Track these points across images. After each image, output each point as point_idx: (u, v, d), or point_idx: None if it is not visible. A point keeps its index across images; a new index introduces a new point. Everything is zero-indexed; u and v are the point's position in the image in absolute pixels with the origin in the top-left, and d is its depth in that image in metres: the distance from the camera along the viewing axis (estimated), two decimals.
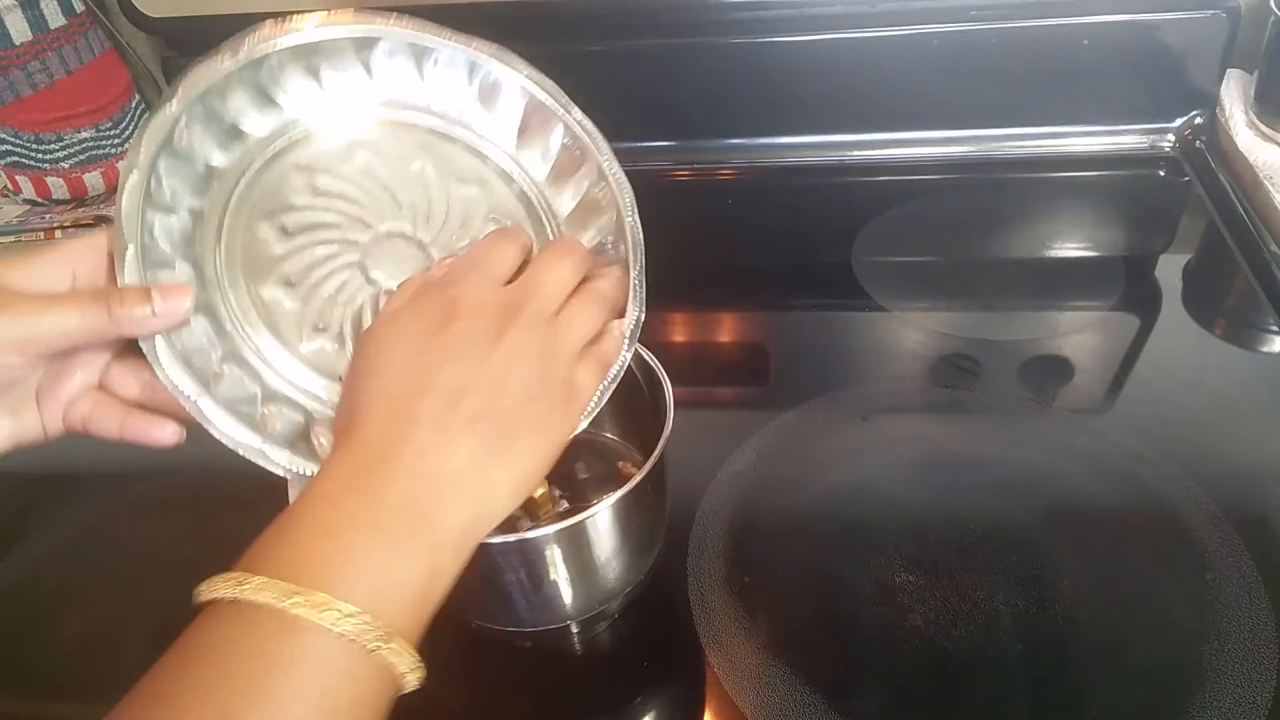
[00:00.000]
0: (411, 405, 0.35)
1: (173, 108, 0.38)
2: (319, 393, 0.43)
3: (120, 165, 0.39)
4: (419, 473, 0.34)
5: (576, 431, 0.39)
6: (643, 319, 0.42)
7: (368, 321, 0.43)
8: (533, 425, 0.37)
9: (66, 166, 0.86)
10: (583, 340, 0.39)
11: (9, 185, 0.88)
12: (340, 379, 0.43)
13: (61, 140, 0.84)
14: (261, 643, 0.29)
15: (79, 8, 0.83)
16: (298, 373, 0.43)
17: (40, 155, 0.85)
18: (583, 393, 0.39)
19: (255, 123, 0.41)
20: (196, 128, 0.39)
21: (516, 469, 0.36)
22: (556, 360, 0.38)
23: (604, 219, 0.43)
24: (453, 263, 0.42)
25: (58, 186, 0.87)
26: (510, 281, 0.39)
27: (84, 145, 0.85)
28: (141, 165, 0.37)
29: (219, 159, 0.40)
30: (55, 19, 0.80)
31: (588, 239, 0.44)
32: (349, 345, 0.43)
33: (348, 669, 0.29)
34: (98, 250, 0.39)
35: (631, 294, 0.42)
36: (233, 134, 0.40)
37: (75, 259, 0.39)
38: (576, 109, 0.42)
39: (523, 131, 0.43)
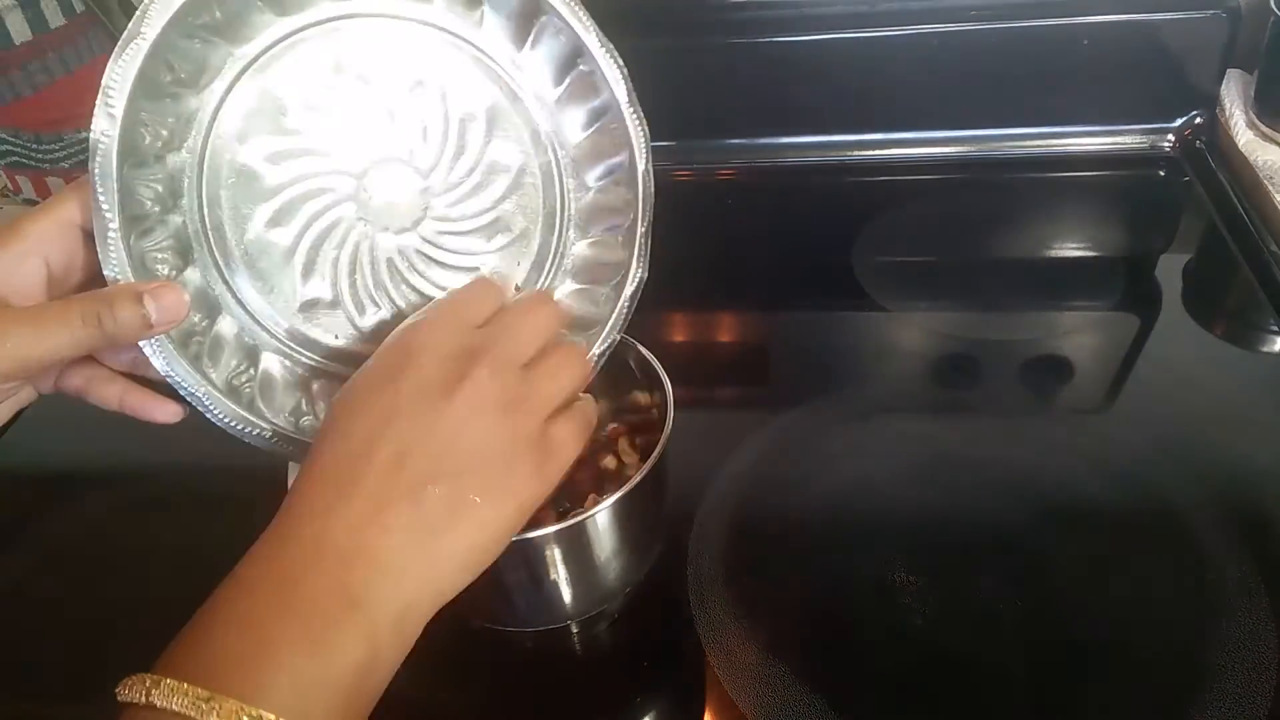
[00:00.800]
0: (345, 472, 0.31)
1: (147, 36, 0.34)
2: (315, 355, 0.41)
3: (94, 119, 0.35)
4: (349, 551, 0.30)
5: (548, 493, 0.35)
6: (645, 279, 0.41)
7: (363, 262, 0.40)
8: (490, 489, 0.32)
9: (67, 166, 0.86)
10: (559, 395, 0.35)
11: (9, 185, 0.88)
12: (336, 337, 0.41)
13: (61, 140, 0.84)
14: None
15: (79, 8, 0.83)
16: (292, 333, 0.41)
17: (40, 155, 0.85)
18: (560, 453, 0.34)
19: (237, 37, 0.37)
20: (173, 55, 0.35)
21: (467, 540, 0.32)
22: (524, 413, 0.33)
23: (615, 160, 0.40)
24: (424, 309, 0.38)
25: (58, 186, 0.87)
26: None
27: (84, 145, 0.85)
28: (120, 115, 0.34)
29: (199, 86, 0.37)
30: (55, 19, 0.81)
31: (596, 177, 0.41)
32: (344, 293, 0.41)
33: None
34: (67, 229, 0.36)
35: (636, 251, 0.40)
36: (212, 53, 0.37)
37: (44, 246, 0.35)
38: (596, 28, 0.39)
39: (534, 46, 0.39)
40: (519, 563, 0.42)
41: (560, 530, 0.40)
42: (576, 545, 0.42)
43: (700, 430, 0.57)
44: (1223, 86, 0.78)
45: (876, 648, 0.46)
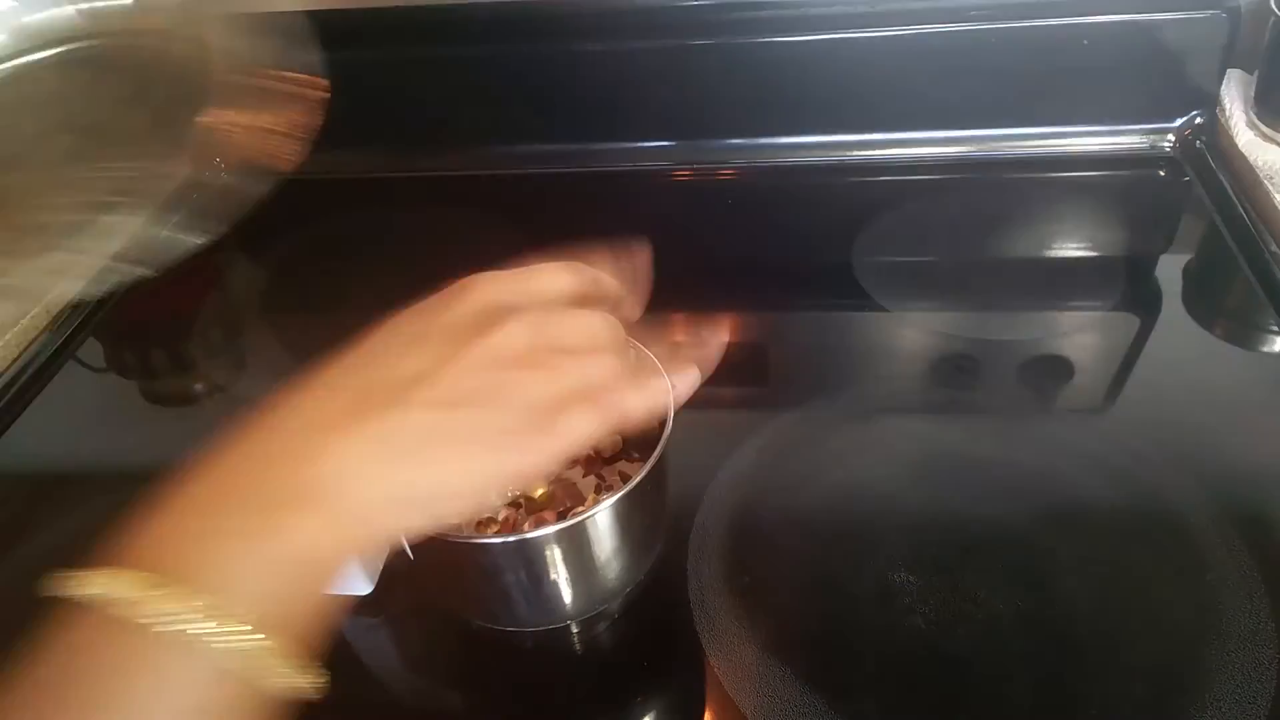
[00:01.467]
0: (342, 380, 0.31)
1: None
2: None
3: None
4: (312, 450, 0.29)
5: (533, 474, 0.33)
6: None
7: None
8: (475, 435, 0.31)
9: None
10: (582, 383, 0.33)
11: None
12: None
13: None
14: (105, 643, 0.27)
15: None
16: None
17: None
18: (562, 436, 0.32)
19: None
20: None
21: (436, 473, 0.30)
22: (541, 383, 0.32)
23: None
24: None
25: None
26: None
27: None
28: None
29: None
30: None
31: None
32: None
33: (186, 661, 0.26)
34: None
35: None
36: None
37: None
38: None
39: None
40: (519, 563, 0.42)
41: (560, 530, 0.40)
42: (576, 545, 0.42)
43: (700, 430, 0.57)
44: (1223, 86, 0.78)
45: (876, 648, 0.46)
